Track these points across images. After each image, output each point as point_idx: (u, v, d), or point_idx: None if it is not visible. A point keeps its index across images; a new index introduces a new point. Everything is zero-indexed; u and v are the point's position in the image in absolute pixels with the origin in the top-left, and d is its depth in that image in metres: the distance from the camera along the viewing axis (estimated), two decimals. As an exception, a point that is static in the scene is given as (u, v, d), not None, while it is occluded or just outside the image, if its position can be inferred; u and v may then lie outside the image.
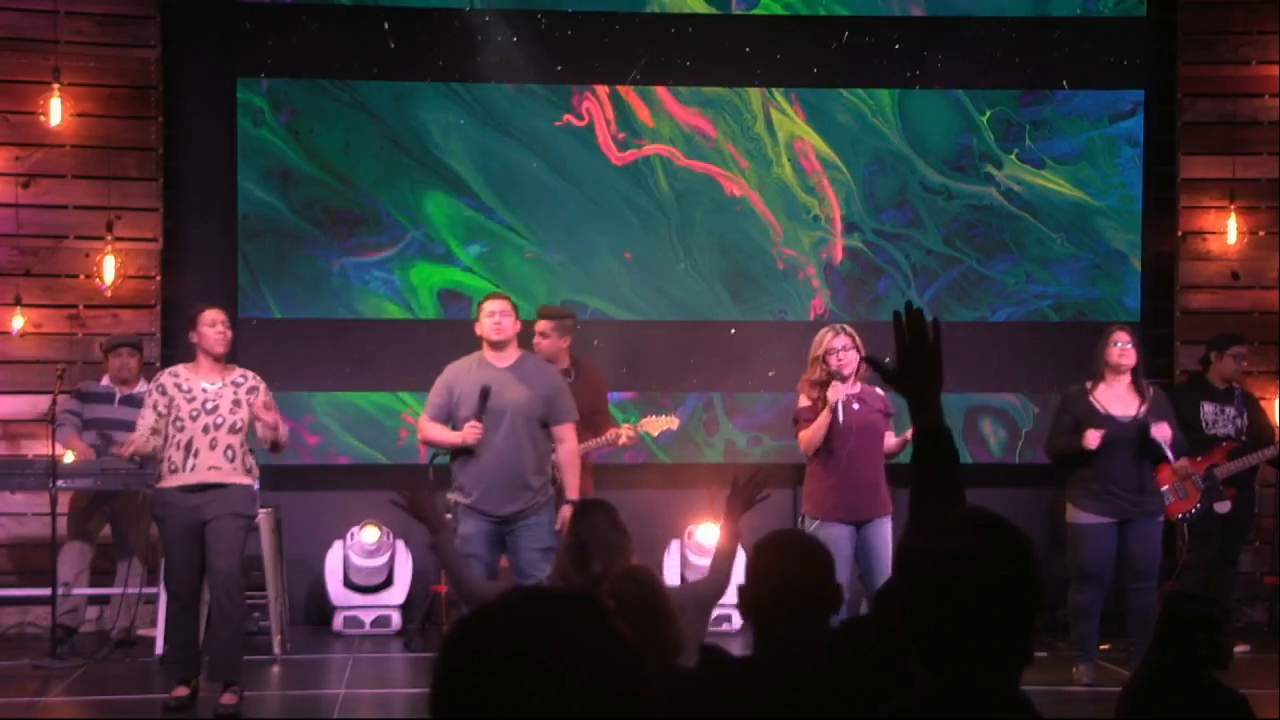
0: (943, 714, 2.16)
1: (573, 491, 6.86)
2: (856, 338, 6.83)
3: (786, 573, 3.05)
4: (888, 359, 2.85)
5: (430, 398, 6.98)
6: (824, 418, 6.76)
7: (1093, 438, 7.16)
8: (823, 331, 6.95)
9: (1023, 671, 2.20)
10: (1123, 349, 7.31)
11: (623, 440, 7.75)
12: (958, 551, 2.18)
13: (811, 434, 6.82)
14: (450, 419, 6.91)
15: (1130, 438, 7.25)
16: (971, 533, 2.21)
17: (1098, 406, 7.31)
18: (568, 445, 6.96)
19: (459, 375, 6.94)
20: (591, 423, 7.66)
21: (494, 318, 6.88)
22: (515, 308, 7.01)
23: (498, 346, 6.87)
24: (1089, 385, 7.39)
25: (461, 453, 6.85)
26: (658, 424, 7.88)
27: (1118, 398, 7.33)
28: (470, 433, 6.76)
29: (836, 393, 6.74)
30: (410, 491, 5.11)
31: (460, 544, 6.65)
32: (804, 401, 6.92)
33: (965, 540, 2.20)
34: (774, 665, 2.94)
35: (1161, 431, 7.21)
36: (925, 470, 2.76)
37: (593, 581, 4.62)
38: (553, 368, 7.19)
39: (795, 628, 2.99)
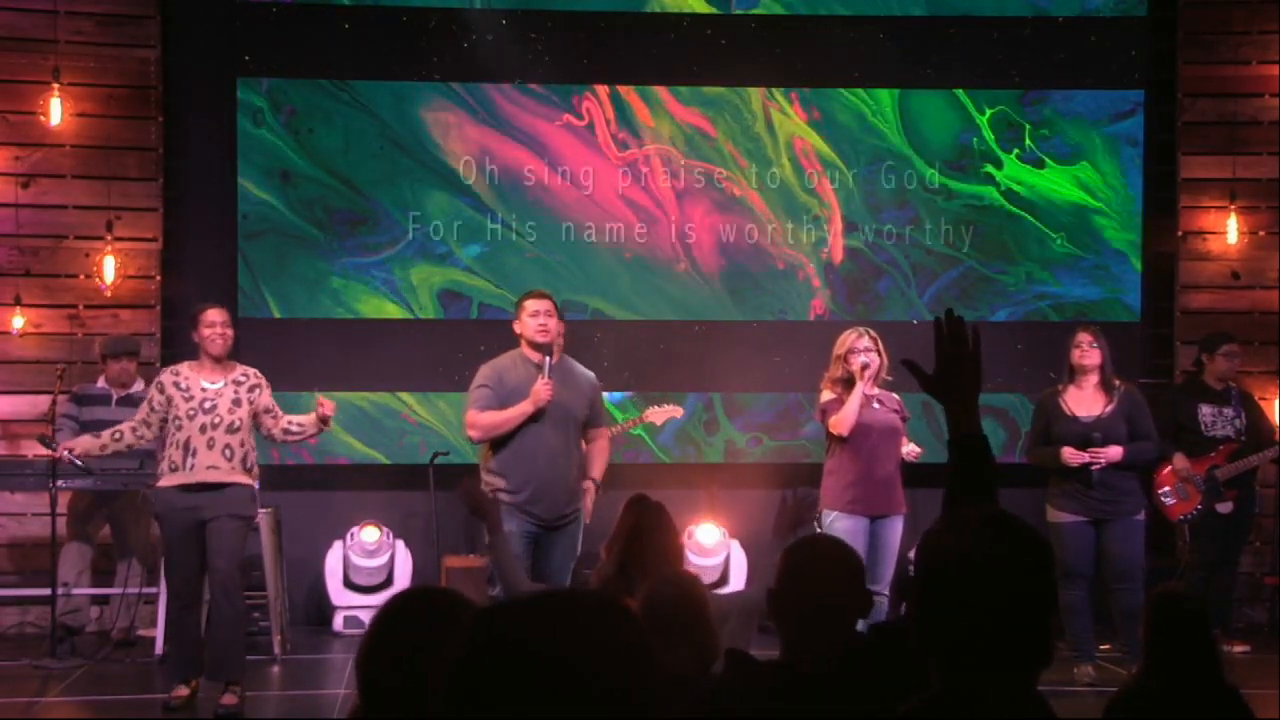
0: (959, 714, 2.16)
1: (598, 473, 6.84)
2: (879, 341, 6.97)
3: (816, 578, 3.02)
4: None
5: (475, 394, 6.73)
6: (855, 394, 6.86)
7: (1072, 456, 7.21)
8: (847, 332, 7.10)
9: (1041, 672, 2.20)
10: (1084, 350, 7.36)
11: (631, 425, 7.81)
12: (975, 551, 2.17)
13: (845, 411, 6.89)
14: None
15: (1088, 438, 7.26)
16: (989, 532, 2.21)
17: (1064, 408, 7.37)
18: (602, 441, 6.94)
19: (507, 368, 6.75)
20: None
21: (538, 318, 6.67)
22: (557, 306, 6.87)
23: (542, 349, 6.68)
24: (1060, 387, 7.45)
25: (506, 449, 6.66)
26: (663, 413, 7.93)
27: (1085, 398, 7.37)
28: (542, 390, 6.55)
29: (858, 367, 6.87)
30: (470, 486, 4.99)
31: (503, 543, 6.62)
32: (828, 395, 7.03)
33: (983, 540, 2.19)
34: (801, 670, 2.92)
35: (1111, 454, 7.25)
36: (961, 477, 2.75)
37: (632, 581, 4.54)
38: (588, 370, 7.06)
39: (823, 633, 2.97)
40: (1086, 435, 7.26)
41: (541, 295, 6.86)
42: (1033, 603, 2.17)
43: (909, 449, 7.07)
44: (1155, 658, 3.95)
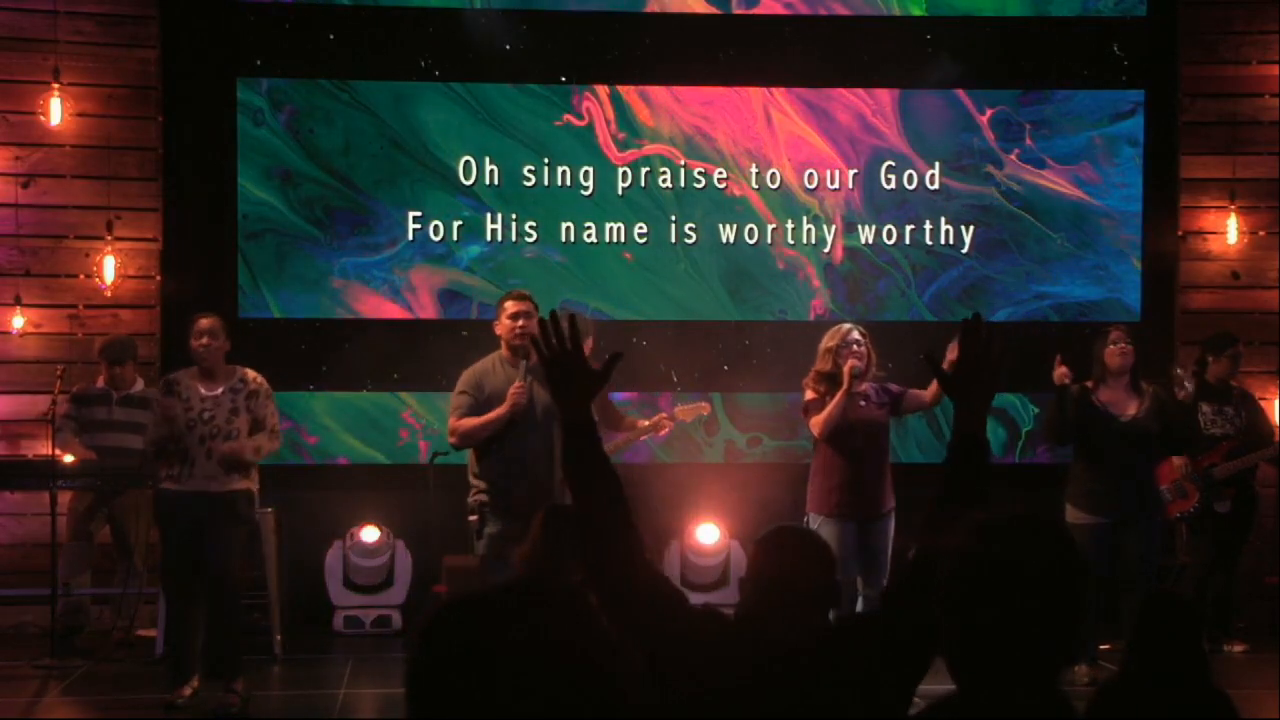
0: (987, 713, 2.17)
1: None
2: (868, 338, 6.95)
3: (786, 569, 3.04)
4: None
5: (455, 401, 6.76)
6: (840, 395, 6.79)
7: (1062, 373, 7.28)
8: (835, 328, 7.04)
9: (1065, 670, 2.23)
10: (1121, 349, 7.36)
11: (665, 430, 7.83)
12: (1012, 553, 2.18)
13: (828, 412, 6.82)
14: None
15: (1131, 438, 7.27)
16: (1024, 534, 2.22)
17: (1100, 407, 7.34)
18: None
19: (486, 373, 6.75)
20: (607, 418, 7.74)
21: (517, 320, 6.68)
22: (537, 307, 6.82)
23: (518, 352, 6.66)
24: (1089, 385, 7.41)
25: (489, 455, 6.67)
26: (690, 410, 7.95)
27: (1119, 398, 7.36)
28: (517, 394, 6.54)
29: (849, 365, 6.79)
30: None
31: (489, 545, 6.61)
32: (810, 395, 6.96)
33: (1020, 542, 2.20)
34: (765, 656, 2.94)
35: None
36: (957, 475, 2.83)
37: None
38: None
39: (792, 624, 2.99)
40: (1131, 434, 7.27)
41: (521, 296, 6.85)
42: (1066, 604, 2.18)
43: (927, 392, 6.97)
44: (1142, 658, 3.95)
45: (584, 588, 4.03)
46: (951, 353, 6.11)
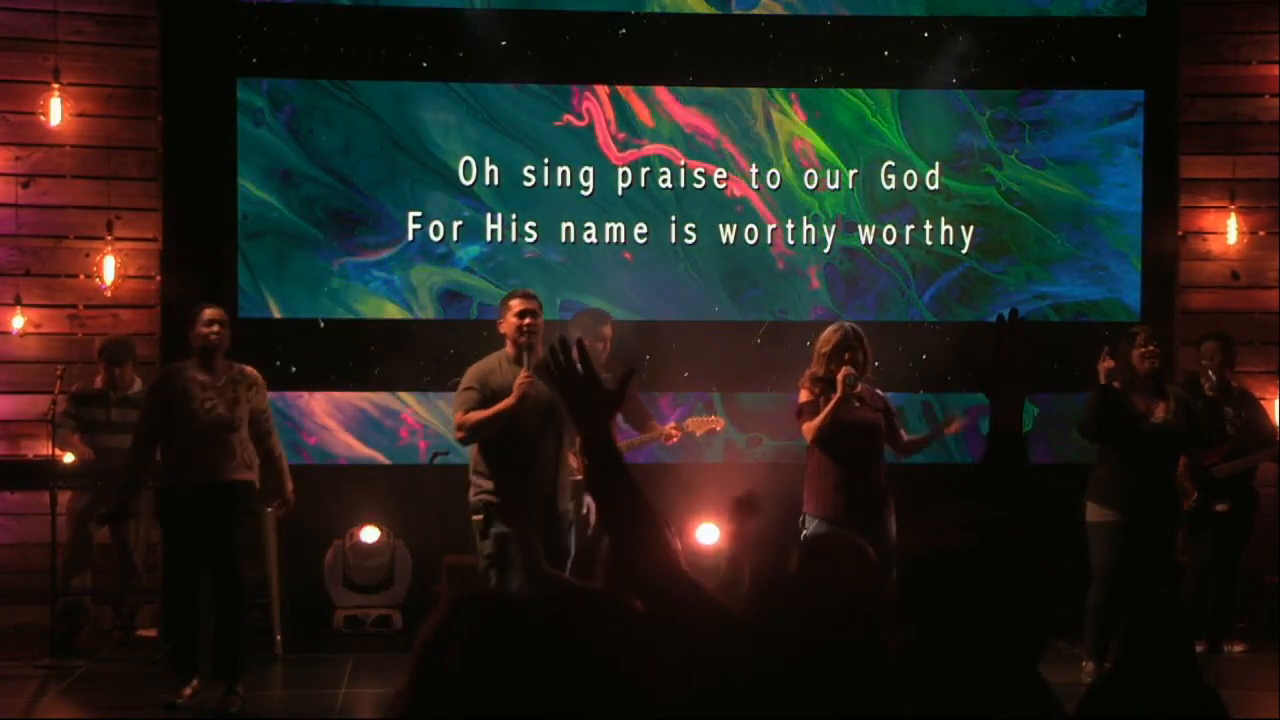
0: (973, 709, 2.18)
1: None
2: (864, 339, 6.80)
3: (835, 578, 3.03)
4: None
5: (461, 397, 6.75)
6: (833, 403, 6.66)
7: (1108, 367, 7.27)
8: (830, 330, 6.87)
9: (1038, 662, 2.23)
10: (1147, 351, 7.38)
11: (673, 440, 7.80)
12: (987, 551, 2.19)
13: (820, 420, 6.67)
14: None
15: (1159, 440, 7.29)
16: (983, 534, 2.23)
17: (1130, 408, 7.36)
18: None
19: (491, 370, 6.75)
20: (634, 419, 7.73)
21: (524, 319, 6.67)
22: (541, 306, 6.83)
23: (523, 350, 6.65)
24: (1117, 385, 7.40)
25: (493, 453, 6.66)
26: (703, 424, 7.91)
27: (1146, 400, 7.38)
28: (525, 385, 6.52)
29: (844, 374, 6.66)
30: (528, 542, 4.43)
31: (495, 545, 6.59)
32: (805, 397, 6.83)
33: (977, 542, 2.21)
34: (809, 659, 2.94)
35: None
36: (997, 476, 2.84)
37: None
38: None
39: (839, 632, 2.99)
40: (1160, 436, 7.31)
41: (527, 295, 6.84)
42: (1041, 598, 2.19)
43: (908, 437, 6.97)
44: (1133, 657, 3.96)
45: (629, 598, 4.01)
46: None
